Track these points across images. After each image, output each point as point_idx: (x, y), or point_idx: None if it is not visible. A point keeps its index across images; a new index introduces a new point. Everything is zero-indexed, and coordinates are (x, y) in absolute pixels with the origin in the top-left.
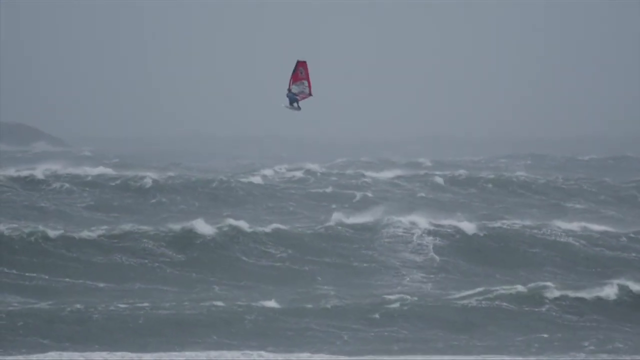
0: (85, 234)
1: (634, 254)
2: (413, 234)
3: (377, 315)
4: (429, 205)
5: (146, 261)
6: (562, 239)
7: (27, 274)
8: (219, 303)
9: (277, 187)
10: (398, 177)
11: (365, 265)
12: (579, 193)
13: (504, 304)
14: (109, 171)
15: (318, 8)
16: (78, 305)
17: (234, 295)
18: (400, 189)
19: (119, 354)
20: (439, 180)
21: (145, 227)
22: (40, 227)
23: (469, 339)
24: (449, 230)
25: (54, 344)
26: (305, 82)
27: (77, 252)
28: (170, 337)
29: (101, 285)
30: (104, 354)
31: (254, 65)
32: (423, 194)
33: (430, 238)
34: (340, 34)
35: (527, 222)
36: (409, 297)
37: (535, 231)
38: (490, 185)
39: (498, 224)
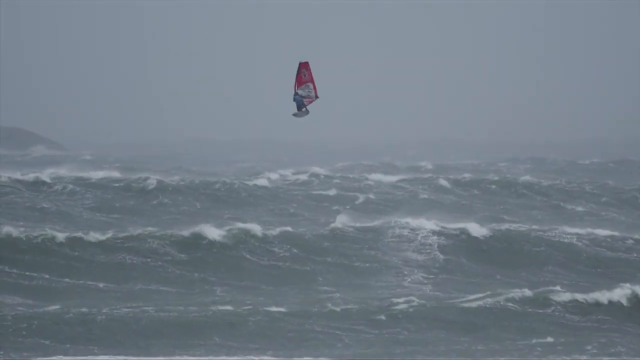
0: (92, 236)
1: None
2: (418, 235)
3: (380, 317)
4: (433, 208)
5: (150, 261)
6: (568, 242)
7: (32, 275)
8: (223, 305)
9: (282, 189)
10: (402, 180)
11: (369, 267)
12: (582, 195)
13: (509, 306)
14: (114, 174)
15: (318, 9)
16: (83, 309)
17: (238, 297)
18: (405, 192)
19: (121, 357)
20: (444, 182)
21: (150, 229)
22: (48, 230)
23: (471, 342)
24: (454, 232)
25: (57, 346)
26: (310, 85)
27: (83, 253)
28: (172, 339)
29: (105, 286)
30: (107, 357)
31: (254, 67)
32: (428, 197)
33: (435, 240)
34: (339, 35)
35: (533, 225)
36: (413, 299)
37: (541, 234)
38: (494, 187)
39: (504, 226)
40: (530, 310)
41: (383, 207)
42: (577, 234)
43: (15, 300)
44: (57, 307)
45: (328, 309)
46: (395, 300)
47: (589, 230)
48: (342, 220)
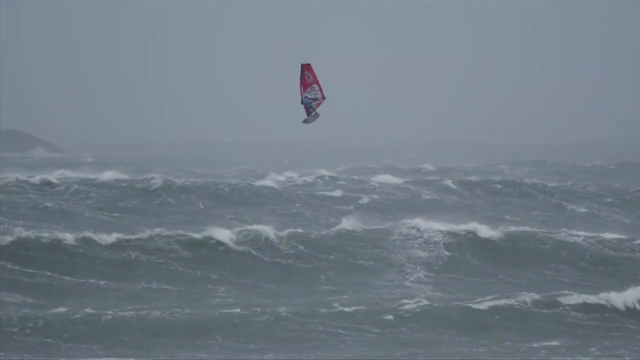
0: (99, 236)
1: None
2: (424, 236)
3: (385, 318)
4: (440, 209)
5: (157, 262)
6: (574, 244)
7: (39, 274)
8: (227, 304)
9: (288, 191)
10: (408, 182)
11: (375, 267)
12: (587, 197)
13: (514, 307)
14: (121, 175)
15: (317, 9)
16: (88, 309)
17: (243, 297)
18: (410, 193)
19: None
20: (450, 184)
21: (158, 230)
22: (56, 231)
23: (475, 344)
24: (460, 233)
25: (61, 345)
26: (316, 86)
27: (90, 253)
28: (176, 339)
29: (110, 285)
30: (110, 359)
31: (253, 68)
32: (434, 198)
33: (441, 241)
34: (338, 35)
35: (540, 226)
36: (418, 299)
37: (548, 235)
38: (499, 188)
39: (510, 228)
40: (535, 311)
41: (389, 208)
42: (583, 235)
43: (19, 299)
44: (63, 306)
45: (332, 309)
46: (400, 300)
47: (595, 232)
48: (348, 222)
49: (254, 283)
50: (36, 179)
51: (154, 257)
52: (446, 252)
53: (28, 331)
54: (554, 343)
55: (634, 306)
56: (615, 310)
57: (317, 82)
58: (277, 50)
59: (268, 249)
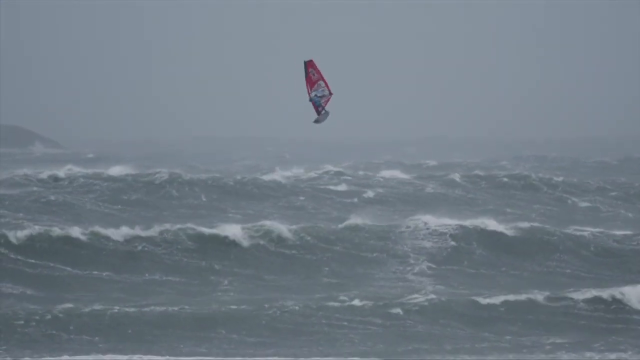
0: (110, 230)
1: None
2: (430, 230)
3: (389, 312)
4: (446, 203)
5: (161, 252)
6: (582, 239)
7: (46, 266)
8: (231, 298)
9: (296, 186)
10: (414, 177)
11: (381, 262)
12: (597, 192)
13: (521, 301)
14: (129, 170)
15: (318, 8)
16: (94, 304)
17: (247, 291)
18: (417, 187)
19: (125, 357)
20: (456, 178)
21: (167, 225)
22: (59, 226)
23: (479, 338)
24: (467, 227)
25: (65, 338)
26: (322, 83)
27: (97, 245)
28: (182, 332)
29: (116, 278)
30: (113, 357)
31: (254, 65)
32: (441, 192)
33: (448, 235)
34: (338, 32)
35: (547, 221)
36: (423, 293)
37: (556, 230)
38: (506, 182)
39: (517, 222)
40: (541, 305)
41: (396, 203)
42: (590, 231)
43: (23, 291)
44: (67, 299)
45: (337, 303)
46: (404, 293)
47: (600, 226)
48: (357, 216)
49: (257, 275)
50: (44, 174)
51: (160, 249)
52: (452, 246)
53: (33, 324)
54: (558, 338)
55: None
56: (622, 304)
57: (322, 78)
58: (277, 47)
59: (274, 243)
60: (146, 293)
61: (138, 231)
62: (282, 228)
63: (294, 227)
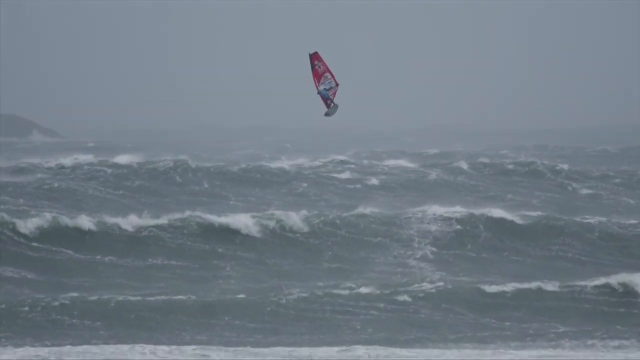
0: (118, 219)
1: None
2: (436, 218)
3: (394, 299)
4: (454, 191)
5: (166, 237)
6: (589, 227)
7: (43, 249)
8: (235, 284)
9: (303, 174)
10: (420, 165)
11: (386, 249)
12: (597, 178)
13: (525, 289)
14: (135, 158)
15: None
16: (99, 291)
17: (251, 279)
18: (424, 176)
19: (127, 345)
20: (463, 166)
21: (177, 214)
22: (71, 214)
23: (483, 325)
24: (475, 215)
25: (68, 323)
26: (328, 75)
27: (101, 230)
28: (183, 318)
29: (116, 261)
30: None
31: (253, 54)
32: (448, 179)
33: (454, 222)
34: (340, 25)
35: (555, 209)
36: (427, 281)
37: (567, 218)
38: (512, 169)
39: (523, 210)
40: (546, 293)
41: (402, 190)
42: (598, 219)
43: (27, 276)
44: (70, 284)
45: (341, 290)
46: (409, 281)
47: (605, 213)
48: (365, 204)
49: (260, 260)
50: (52, 162)
51: (166, 234)
52: (457, 233)
53: (37, 310)
54: (562, 325)
55: None
56: (627, 292)
57: (328, 70)
58: (273, 38)
59: (284, 231)
60: (149, 279)
61: (146, 219)
62: (292, 215)
63: (301, 213)
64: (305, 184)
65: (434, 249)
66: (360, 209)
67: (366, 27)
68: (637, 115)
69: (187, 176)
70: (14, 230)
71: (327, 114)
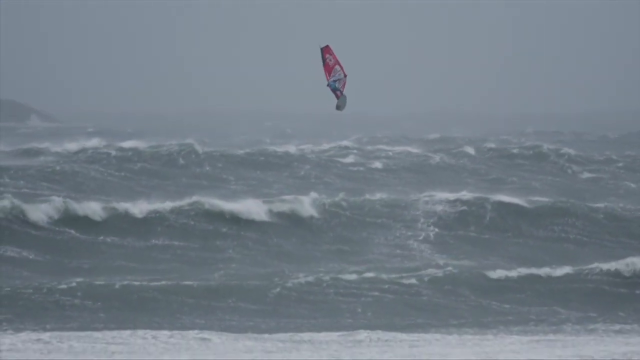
0: (123, 204)
1: None
2: (442, 202)
3: (398, 283)
4: (461, 175)
5: (170, 217)
6: (597, 213)
7: (45, 229)
8: (238, 268)
9: (307, 157)
10: (427, 150)
11: (390, 233)
12: (600, 162)
13: (529, 274)
14: (139, 143)
15: None
16: (102, 277)
17: (255, 263)
18: (431, 160)
19: (128, 331)
20: (469, 150)
21: (183, 200)
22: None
23: (485, 310)
24: (481, 199)
25: (69, 303)
26: (338, 67)
27: (113, 223)
28: (186, 300)
29: (118, 242)
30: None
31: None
32: (454, 164)
33: (459, 207)
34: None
35: (562, 195)
36: (435, 267)
37: (572, 202)
38: (516, 153)
39: (531, 195)
40: (551, 278)
41: (409, 174)
42: (605, 205)
43: (29, 256)
44: (73, 268)
45: (346, 275)
46: (415, 266)
47: (616, 201)
48: (370, 188)
49: (264, 242)
50: (57, 147)
51: (170, 218)
52: (463, 217)
53: (41, 292)
54: (564, 310)
55: None
56: (636, 276)
57: (337, 62)
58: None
59: (289, 214)
60: (152, 262)
61: (151, 203)
62: (300, 199)
63: (308, 197)
64: (309, 167)
65: (439, 233)
66: (366, 193)
67: (359, 12)
68: (636, 101)
69: (192, 159)
70: (19, 213)
71: (338, 108)
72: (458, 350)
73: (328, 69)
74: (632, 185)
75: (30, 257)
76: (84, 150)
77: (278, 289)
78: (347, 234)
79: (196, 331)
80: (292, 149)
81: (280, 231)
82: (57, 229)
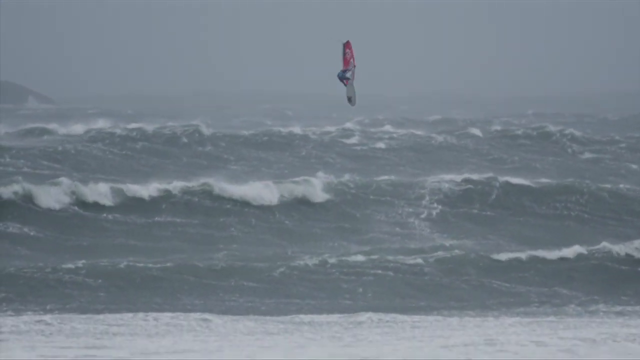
0: (127, 186)
1: None
2: (449, 186)
3: (401, 264)
4: (463, 157)
5: (171, 199)
6: (603, 194)
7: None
8: (241, 249)
9: (311, 138)
10: (435, 132)
11: (394, 217)
12: (601, 143)
13: (533, 255)
14: (145, 126)
15: None
16: (103, 261)
17: (258, 244)
18: (437, 143)
19: (130, 314)
20: (476, 132)
21: (181, 183)
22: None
23: (488, 292)
24: (489, 182)
25: (69, 281)
26: (352, 62)
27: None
28: (185, 282)
29: (119, 218)
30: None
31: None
32: (459, 145)
33: (464, 187)
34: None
35: (568, 176)
36: (439, 249)
37: (577, 185)
38: (520, 134)
39: (537, 177)
40: (556, 259)
41: (415, 155)
42: (611, 186)
43: (28, 232)
44: (74, 246)
45: (348, 257)
46: (419, 248)
47: (623, 181)
48: (375, 168)
49: (269, 222)
50: (63, 129)
51: (175, 199)
52: (467, 198)
53: (42, 272)
54: (567, 290)
55: None
56: (636, 257)
57: (352, 56)
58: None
59: (298, 196)
60: (153, 239)
61: (155, 183)
62: (308, 180)
63: (315, 178)
64: (314, 149)
65: (443, 213)
66: (371, 174)
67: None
68: (632, 82)
69: (198, 140)
70: (29, 196)
71: (349, 101)
72: (459, 332)
73: (346, 62)
74: (634, 166)
75: (31, 233)
76: (89, 131)
77: (282, 269)
78: (352, 212)
79: (198, 313)
80: (297, 129)
81: (286, 211)
82: (59, 206)
